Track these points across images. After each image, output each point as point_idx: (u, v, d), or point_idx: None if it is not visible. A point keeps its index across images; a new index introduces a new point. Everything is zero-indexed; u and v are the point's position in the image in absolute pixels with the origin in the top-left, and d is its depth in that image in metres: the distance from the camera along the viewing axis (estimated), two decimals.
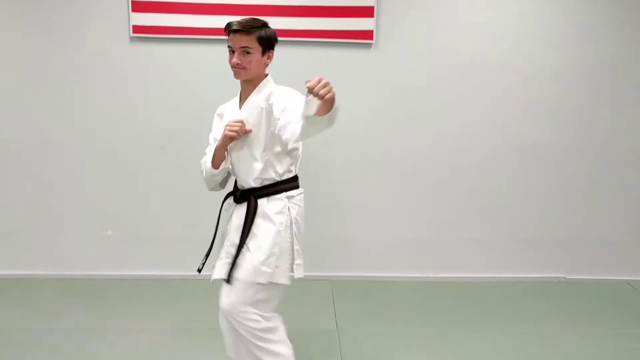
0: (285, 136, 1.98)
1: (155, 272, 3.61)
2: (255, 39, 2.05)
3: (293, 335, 2.82)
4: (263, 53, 2.09)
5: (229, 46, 2.08)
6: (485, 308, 3.30)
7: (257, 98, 2.14)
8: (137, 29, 3.31)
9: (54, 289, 3.42)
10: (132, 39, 3.34)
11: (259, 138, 2.10)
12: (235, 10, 3.25)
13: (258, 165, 2.12)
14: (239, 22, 2.04)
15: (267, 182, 2.14)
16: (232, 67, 2.09)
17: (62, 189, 3.53)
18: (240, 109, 2.18)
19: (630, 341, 2.91)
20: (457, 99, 3.51)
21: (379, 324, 3.07)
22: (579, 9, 3.43)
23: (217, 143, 2.13)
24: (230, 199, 2.27)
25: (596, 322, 3.14)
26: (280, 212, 2.12)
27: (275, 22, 3.28)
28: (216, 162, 2.14)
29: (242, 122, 2.08)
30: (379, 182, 3.56)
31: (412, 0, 3.37)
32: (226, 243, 2.24)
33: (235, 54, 2.07)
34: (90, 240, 3.58)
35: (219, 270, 2.20)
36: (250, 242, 2.11)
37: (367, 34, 3.33)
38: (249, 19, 2.07)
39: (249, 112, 2.13)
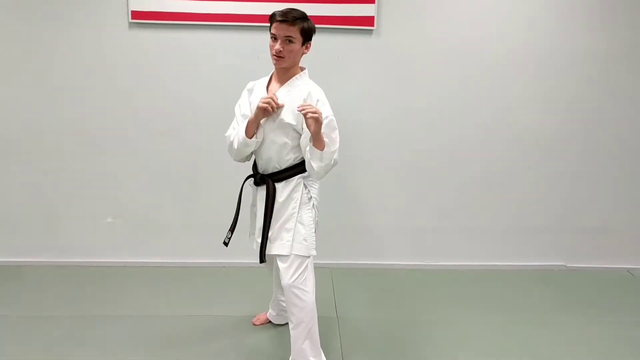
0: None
1: (156, 260, 3.61)
2: (298, 30, 2.17)
3: None
4: (302, 43, 2.22)
5: (272, 34, 2.20)
6: (485, 296, 3.30)
7: (297, 85, 2.27)
8: (135, 14, 3.27)
9: (53, 276, 3.42)
10: (131, 24, 3.31)
11: (292, 123, 2.22)
12: None
13: (286, 148, 2.27)
14: (284, 13, 2.16)
15: (286, 165, 2.30)
16: (274, 54, 2.20)
17: (61, 177, 3.52)
18: (271, 90, 2.32)
19: (629, 329, 2.92)
20: (458, 86, 3.48)
21: (379, 311, 3.08)
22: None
23: (250, 116, 2.24)
24: (251, 181, 2.44)
25: (596, 310, 3.14)
26: (298, 191, 2.31)
27: (278, 8, 3.26)
28: (249, 133, 2.25)
29: (275, 96, 2.20)
30: (379, 170, 3.54)
31: None
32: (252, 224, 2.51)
33: (279, 41, 2.18)
34: (90, 227, 3.58)
35: (273, 246, 2.34)
36: (279, 222, 2.31)
37: (368, 20, 3.29)
38: (292, 9, 2.18)
39: (287, 95, 2.25)
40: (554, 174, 3.63)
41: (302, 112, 2.05)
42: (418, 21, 3.38)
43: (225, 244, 2.49)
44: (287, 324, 2.67)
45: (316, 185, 2.39)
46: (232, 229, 2.49)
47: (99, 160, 3.51)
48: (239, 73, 3.37)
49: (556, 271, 3.69)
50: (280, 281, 2.34)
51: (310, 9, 3.26)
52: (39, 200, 3.55)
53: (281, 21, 2.15)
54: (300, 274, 2.27)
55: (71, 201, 3.55)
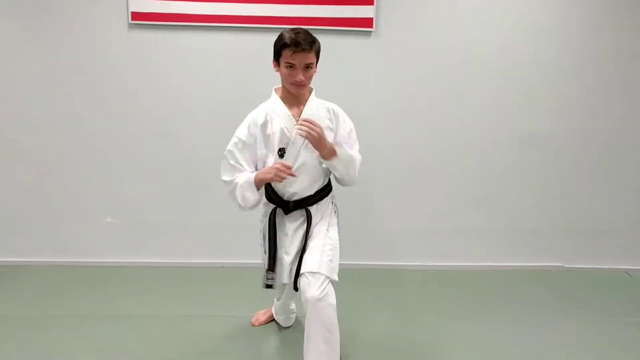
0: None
1: (155, 259, 3.62)
2: (314, 54, 2.14)
3: (296, 322, 2.86)
4: (316, 64, 2.20)
5: (289, 63, 2.10)
6: (484, 296, 3.31)
7: (317, 106, 2.26)
8: (135, 15, 3.29)
9: (53, 275, 3.43)
10: (131, 25, 3.33)
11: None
12: None
13: (321, 171, 2.28)
14: (301, 41, 2.07)
15: (319, 187, 2.30)
16: (294, 83, 2.14)
17: (61, 177, 3.53)
18: (291, 115, 2.23)
19: (627, 329, 2.93)
20: (457, 88, 3.50)
21: (378, 310, 3.08)
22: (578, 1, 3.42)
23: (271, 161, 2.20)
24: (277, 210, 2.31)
25: (593, 310, 3.15)
26: (331, 214, 2.33)
27: (276, 10, 3.31)
28: (263, 183, 2.20)
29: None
30: (379, 172, 3.55)
31: None
32: (286, 252, 2.31)
33: (299, 71, 2.11)
34: (90, 227, 3.59)
35: (287, 275, 2.31)
36: (313, 243, 2.24)
37: (367, 22, 3.31)
38: (304, 32, 2.11)
39: (316, 118, 2.20)
40: (552, 176, 3.65)
41: (304, 135, 2.08)
42: (416, 23, 3.40)
43: (269, 286, 2.29)
44: (290, 326, 2.75)
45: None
46: (273, 268, 2.27)
47: (98, 161, 3.52)
48: (238, 74, 3.43)
49: (554, 272, 3.70)
50: (293, 294, 2.38)
51: (309, 11, 3.33)
52: (39, 200, 3.56)
53: (302, 50, 2.07)
54: (324, 289, 2.13)
55: (70, 201, 3.56)
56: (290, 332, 2.79)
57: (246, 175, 2.21)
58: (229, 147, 2.26)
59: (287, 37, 2.08)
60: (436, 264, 3.71)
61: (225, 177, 2.27)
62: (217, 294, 3.24)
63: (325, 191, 2.33)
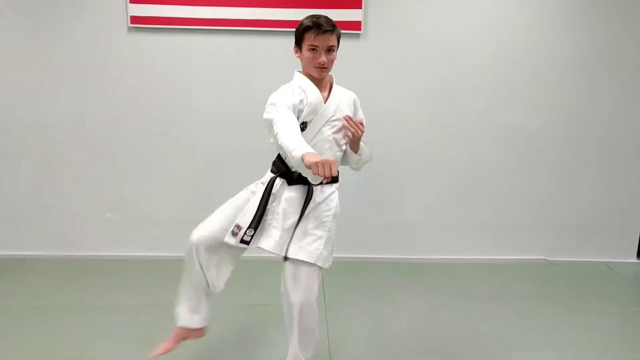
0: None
1: (153, 253, 3.74)
2: (336, 38, 2.14)
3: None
4: (337, 49, 2.18)
5: (312, 45, 2.10)
6: (470, 287, 3.42)
7: (341, 94, 2.27)
8: (134, 19, 3.41)
9: (57, 268, 3.55)
10: (130, 29, 3.45)
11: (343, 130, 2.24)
12: (229, 2, 3.38)
13: (338, 155, 2.27)
14: (323, 23, 2.08)
15: None
16: (317, 66, 2.13)
17: (63, 175, 3.65)
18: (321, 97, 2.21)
19: (606, 318, 3.04)
20: (443, 87, 3.61)
21: (366, 301, 3.19)
22: (569, 3, 3.53)
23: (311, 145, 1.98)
24: (279, 180, 2.22)
25: (575, 301, 3.26)
26: (332, 201, 2.25)
27: (266, 13, 3.41)
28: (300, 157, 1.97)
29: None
30: (369, 169, 3.63)
31: None
32: (275, 217, 2.20)
33: (322, 53, 2.11)
34: (91, 222, 3.71)
35: (275, 245, 2.16)
36: (309, 225, 2.17)
37: (356, 25, 3.44)
38: (321, 16, 2.11)
39: (337, 105, 2.22)
40: (536, 173, 3.76)
41: (351, 134, 2.17)
42: (402, 25, 3.52)
43: (246, 242, 2.19)
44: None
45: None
46: (255, 226, 2.19)
47: (99, 159, 3.64)
48: (234, 76, 3.53)
49: (538, 265, 3.82)
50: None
51: (300, 15, 3.38)
52: (42, 197, 3.67)
53: (324, 31, 2.07)
54: (313, 289, 2.13)
55: (72, 198, 3.68)
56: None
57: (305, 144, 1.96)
58: (276, 103, 2.07)
59: (309, 21, 2.10)
60: (424, 256, 3.82)
61: (273, 117, 2.03)
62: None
63: (332, 178, 2.23)
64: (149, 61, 3.52)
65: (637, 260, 3.90)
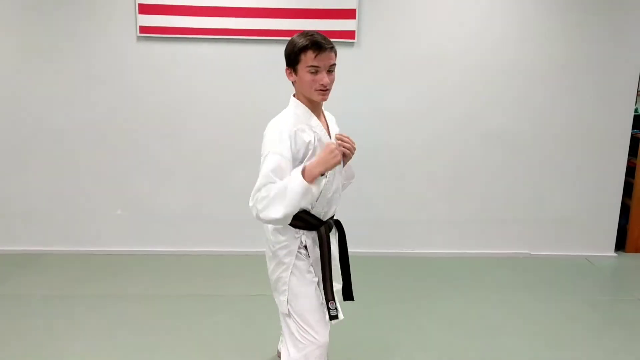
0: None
1: (161, 248, 3.94)
2: (335, 56, 1.89)
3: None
4: None
5: (313, 66, 1.83)
6: (456, 279, 3.61)
7: (329, 116, 2.11)
8: (143, 29, 3.61)
9: (69, 262, 3.75)
10: (139, 38, 3.65)
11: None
12: (233, 13, 3.58)
13: (341, 189, 2.11)
14: (323, 39, 1.83)
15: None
16: (320, 89, 1.86)
17: (76, 174, 3.84)
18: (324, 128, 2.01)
19: (584, 306, 3.24)
20: (430, 92, 3.81)
21: (358, 293, 3.35)
22: (547, 12, 3.74)
23: (317, 165, 1.85)
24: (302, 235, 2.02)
25: (555, 291, 3.46)
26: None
27: (266, 24, 3.60)
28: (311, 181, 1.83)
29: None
30: (360, 169, 3.78)
31: (391, 3, 3.68)
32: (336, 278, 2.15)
33: (324, 73, 1.85)
34: (102, 219, 3.90)
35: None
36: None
37: (350, 34, 3.65)
38: (318, 34, 1.85)
39: (334, 132, 2.04)
40: (520, 171, 3.96)
41: (344, 151, 1.91)
42: (394, 35, 3.72)
43: (334, 317, 2.04)
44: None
45: None
46: (333, 297, 2.04)
47: (110, 159, 3.83)
48: (237, 82, 3.73)
49: (521, 258, 4.02)
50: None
51: (296, 25, 3.62)
52: (56, 195, 3.87)
53: (327, 49, 1.82)
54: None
55: (85, 196, 3.87)
56: None
57: (294, 176, 1.81)
58: (271, 166, 1.81)
59: (305, 40, 1.82)
60: (413, 250, 4.02)
61: (263, 183, 1.82)
62: (216, 277, 3.57)
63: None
64: (157, 68, 3.71)
65: (615, 254, 4.11)
